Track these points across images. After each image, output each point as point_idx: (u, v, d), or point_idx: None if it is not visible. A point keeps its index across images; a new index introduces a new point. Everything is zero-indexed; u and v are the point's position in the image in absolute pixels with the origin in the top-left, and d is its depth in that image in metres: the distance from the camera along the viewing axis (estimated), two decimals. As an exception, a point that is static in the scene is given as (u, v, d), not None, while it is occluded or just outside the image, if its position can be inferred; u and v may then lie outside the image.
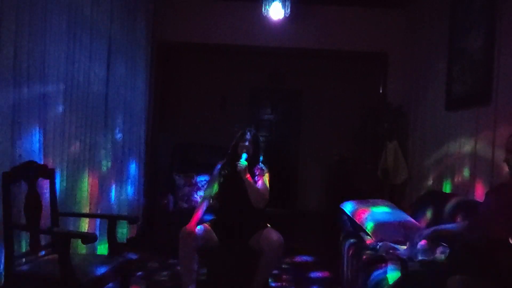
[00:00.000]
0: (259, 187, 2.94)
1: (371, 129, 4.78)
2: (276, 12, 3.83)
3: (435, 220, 2.90)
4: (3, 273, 2.22)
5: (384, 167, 4.54)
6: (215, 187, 3.06)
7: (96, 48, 3.30)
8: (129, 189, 4.15)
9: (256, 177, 2.99)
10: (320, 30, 4.96)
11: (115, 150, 3.80)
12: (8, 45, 2.26)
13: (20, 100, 2.39)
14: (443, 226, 2.56)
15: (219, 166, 3.12)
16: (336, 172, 6.32)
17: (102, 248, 3.27)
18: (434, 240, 2.49)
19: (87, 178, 3.25)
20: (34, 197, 2.39)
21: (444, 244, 2.50)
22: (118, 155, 3.87)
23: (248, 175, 2.90)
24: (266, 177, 3.02)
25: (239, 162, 2.90)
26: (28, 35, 2.41)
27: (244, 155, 2.94)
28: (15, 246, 2.23)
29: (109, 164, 3.68)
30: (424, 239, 2.45)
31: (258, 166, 3.05)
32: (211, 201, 3.08)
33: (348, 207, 3.36)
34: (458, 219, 2.61)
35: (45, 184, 2.55)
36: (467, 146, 3.20)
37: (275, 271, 3.45)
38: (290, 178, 7.01)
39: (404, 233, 2.73)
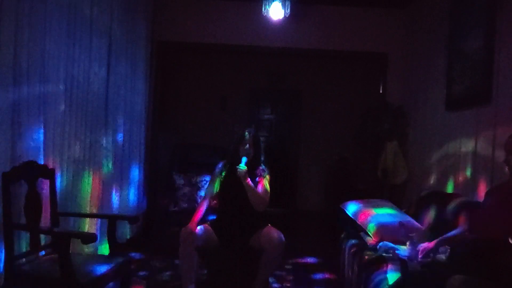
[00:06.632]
0: (259, 190, 2.93)
1: (371, 129, 4.78)
2: (276, 12, 3.83)
3: (436, 220, 2.90)
4: (3, 273, 2.21)
5: (384, 167, 4.54)
6: (216, 187, 3.06)
7: (96, 48, 3.30)
8: (129, 189, 4.15)
9: (257, 178, 2.99)
10: (320, 30, 4.96)
11: (115, 150, 3.80)
12: (8, 45, 2.25)
13: (20, 100, 2.39)
14: (447, 235, 2.50)
15: (220, 165, 3.12)
16: (336, 172, 6.31)
17: (103, 248, 3.27)
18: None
19: (87, 178, 3.24)
20: (34, 197, 2.39)
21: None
22: (118, 155, 3.87)
23: (248, 180, 2.89)
24: (267, 180, 3.01)
25: (239, 166, 2.89)
26: (28, 35, 2.41)
27: (244, 159, 2.93)
28: (15, 246, 2.23)
29: (109, 164, 3.67)
30: (430, 251, 2.41)
31: (259, 168, 3.04)
32: (211, 201, 3.08)
33: (348, 207, 3.36)
34: (460, 220, 2.60)
35: (45, 184, 2.55)
36: (467, 146, 3.20)
37: (276, 271, 3.45)
38: (290, 178, 7.00)
39: (404, 233, 2.73)
